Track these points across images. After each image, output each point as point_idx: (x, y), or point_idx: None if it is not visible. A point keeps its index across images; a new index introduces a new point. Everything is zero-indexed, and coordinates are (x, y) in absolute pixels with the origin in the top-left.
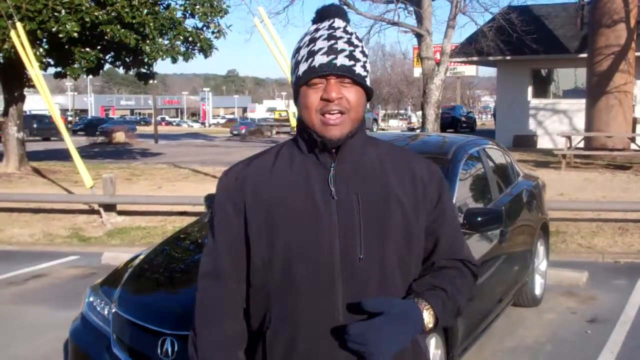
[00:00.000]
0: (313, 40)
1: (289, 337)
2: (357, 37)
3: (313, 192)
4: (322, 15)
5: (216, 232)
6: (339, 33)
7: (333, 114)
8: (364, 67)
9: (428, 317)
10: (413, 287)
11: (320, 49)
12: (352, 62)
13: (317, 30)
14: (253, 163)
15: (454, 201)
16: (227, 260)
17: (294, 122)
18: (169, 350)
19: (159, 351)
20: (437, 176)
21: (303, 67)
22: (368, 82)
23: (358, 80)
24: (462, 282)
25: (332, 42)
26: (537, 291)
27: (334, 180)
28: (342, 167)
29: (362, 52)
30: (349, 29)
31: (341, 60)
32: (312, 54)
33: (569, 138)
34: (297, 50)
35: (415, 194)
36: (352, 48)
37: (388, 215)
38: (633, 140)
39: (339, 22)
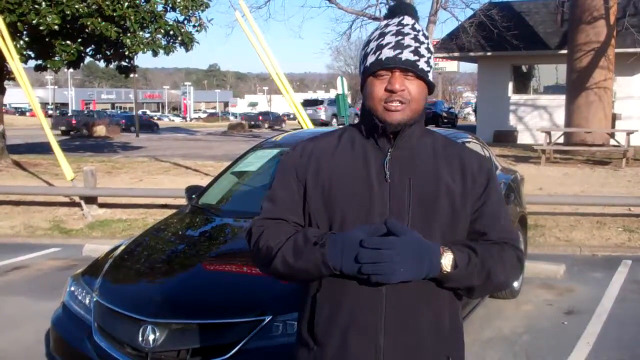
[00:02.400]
0: (382, 35)
1: (335, 303)
2: (423, 34)
3: (369, 174)
4: (394, 11)
5: (277, 187)
6: (406, 30)
7: (395, 102)
8: (427, 62)
9: (447, 261)
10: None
11: (388, 43)
12: (416, 58)
13: (387, 25)
14: (318, 143)
15: None
16: (286, 209)
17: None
18: (150, 338)
19: (140, 339)
20: (486, 167)
21: (371, 59)
22: (430, 77)
23: (420, 75)
24: (500, 254)
25: (400, 37)
26: (515, 283)
27: (389, 164)
28: (398, 153)
29: (427, 48)
30: (417, 26)
31: (406, 55)
32: (380, 47)
33: (548, 133)
34: (367, 43)
35: (464, 184)
36: (417, 44)
37: (436, 201)
38: (612, 136)
39: (407, 19)
